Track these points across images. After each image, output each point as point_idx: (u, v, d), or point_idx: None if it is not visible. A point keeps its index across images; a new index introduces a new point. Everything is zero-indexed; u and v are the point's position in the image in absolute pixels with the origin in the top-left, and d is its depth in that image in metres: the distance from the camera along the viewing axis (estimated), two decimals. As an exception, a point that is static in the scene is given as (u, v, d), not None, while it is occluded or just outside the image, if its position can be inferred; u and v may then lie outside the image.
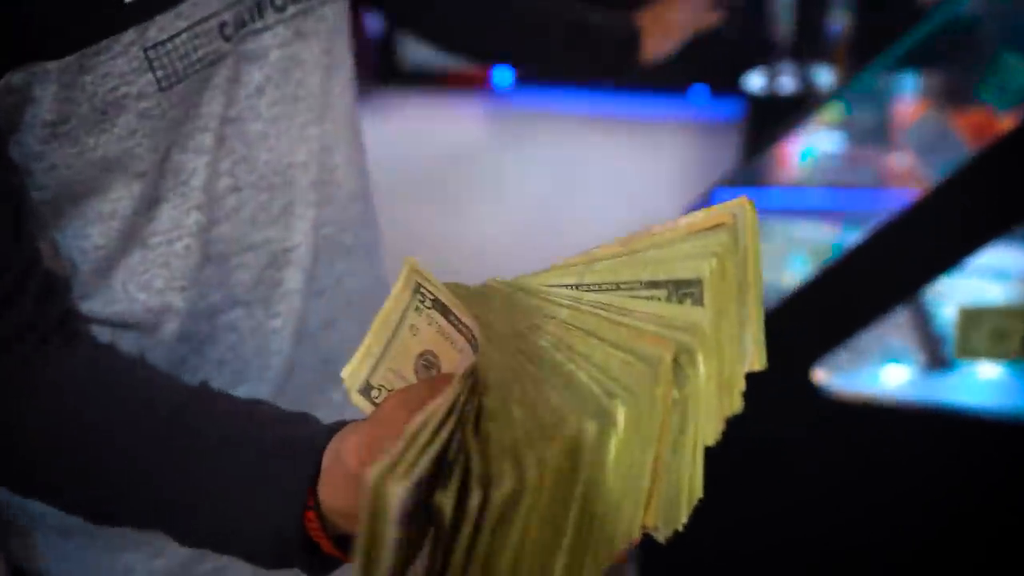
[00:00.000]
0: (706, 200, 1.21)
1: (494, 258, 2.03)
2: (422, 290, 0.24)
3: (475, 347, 0.20)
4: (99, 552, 0.38)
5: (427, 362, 0.25)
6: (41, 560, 0.39)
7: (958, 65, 1.14)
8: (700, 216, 0.21)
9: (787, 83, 2.09)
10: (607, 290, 0.22)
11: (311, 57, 0.38)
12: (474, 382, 0.18)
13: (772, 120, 1.73)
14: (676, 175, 2.54)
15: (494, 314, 0.23)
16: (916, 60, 1.15)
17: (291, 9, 0.36)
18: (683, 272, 0.20)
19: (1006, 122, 0.94)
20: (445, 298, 0.22)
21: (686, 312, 0.19)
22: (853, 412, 0.80)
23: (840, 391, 0.80)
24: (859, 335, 0.74)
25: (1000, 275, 0.94)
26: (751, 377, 0.22)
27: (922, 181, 1.01)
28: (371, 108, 2.98)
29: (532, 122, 3.11)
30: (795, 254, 1.02)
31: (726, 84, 2.63)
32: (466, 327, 0.22)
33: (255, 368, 0.39)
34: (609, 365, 0.18)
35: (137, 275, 0.34)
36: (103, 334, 0.34)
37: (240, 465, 0.26)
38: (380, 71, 3.32)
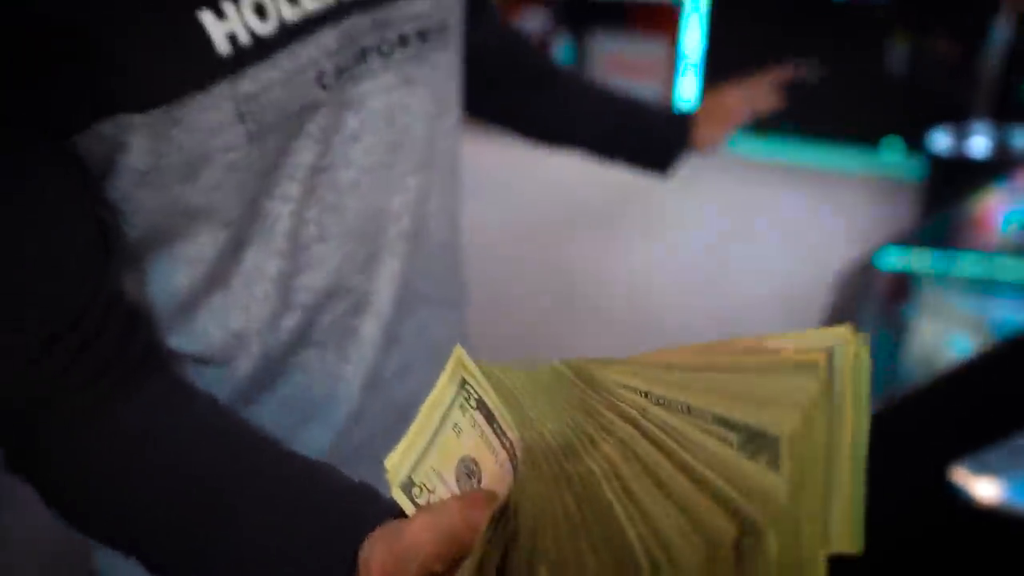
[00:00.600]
0: (875, 258, 1.15)
1: (650, 298, 2.09)
2: (467, 386, 0.22)
3: (515, 467, 0.20)
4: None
5: (468, 469, 0.23)
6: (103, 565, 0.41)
7: None
8: (791, 344, 0.17)
9: (979, 144, 1.97)
10: (676, 411, 0.19)
11: (418, 104, 0.37)
12: (506, 520, 0.17)
13: (958, 182, 1.67)
14: (851, 231, 2.41)
15: (549, 407, 0.21)
16: None
17: (398, 54, 0.35)
18: (759, 420, 0.15)
19: None
20: (491, 402, 0.21)
21: (760, 474, 0.15)
22: (996, 522, 0.68)
23: (984, 497, 0.68)
24: (1016, 435, 0.63)
25: None
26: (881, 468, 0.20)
27: None
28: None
29: (709, 161, 2.92)
30: (959, 331, 0.91)
31: (917, 140, 2.48)
32: (509, 442, 0.20)
33: (323, 410, 0.38)
34: (662, 526, 0.16)
35: (217, 315, 0.34)
36: (181, 367, 0.34)
37: (283, 543, 0.26)
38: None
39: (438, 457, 0.23)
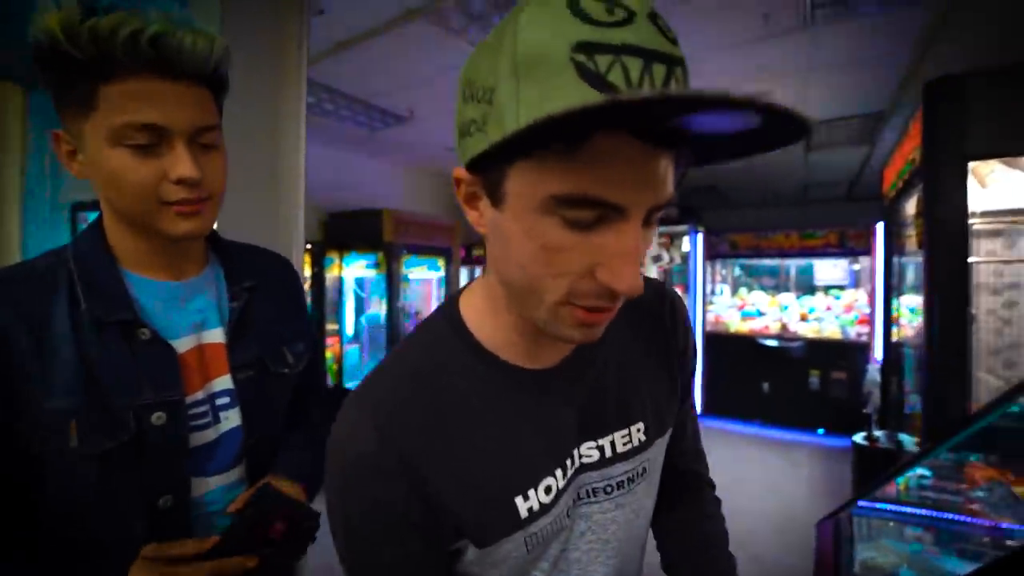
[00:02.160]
0: (836, 521, 1.58)
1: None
2: None
3: None
4: None
5: None
6: None
7: (1012, 446, 1.59)
8: None
9: (879, 440, 3.13)
10: None
11: (623, 516, 0.57)
12: None
13: (869, 465, 2.75)
14: (812, 484, 3.71)
15: None
16: (979, 442, 1.63)
17: (615, 494, 0.55)
18: None
19: None
20: None
21: None
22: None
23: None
24: None
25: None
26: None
27: (991, 519, 1.39)
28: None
29: (707, 435, 4.63)
30: (915, 544, 1.40)
31: (844, 428, 4.36)
32: None
33: None
34: None
35: None
36: None
37: None
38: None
39: None
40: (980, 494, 1.57)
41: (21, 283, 0.64)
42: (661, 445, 0.61)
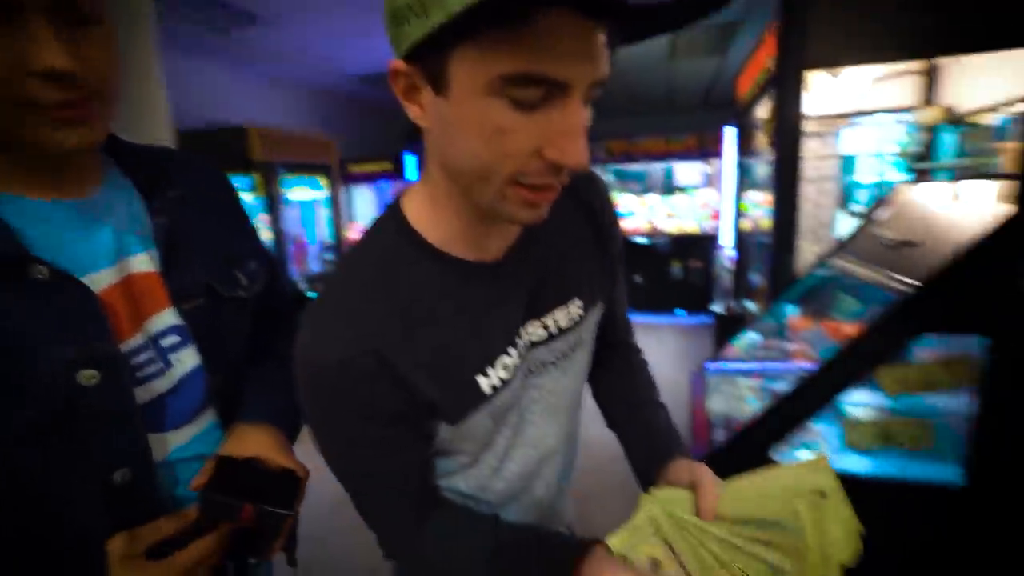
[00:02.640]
0: (700, 374, 2.06)
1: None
2: (658, 525, 0.48)
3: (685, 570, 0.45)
4: None
5: (654, 564, 0.47)
6: None
7: (821, 299, 2.08)
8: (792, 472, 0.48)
9: (734, 308, 3.85)
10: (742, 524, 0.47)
11: (567, 383, 0.65)
12: None
13: (727, 328, 3.39)
14: (676, 356, 4.30)
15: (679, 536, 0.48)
16: (798, 299, 2.14)
17: (561, 364, 0.63)
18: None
19: (849, 327, 1.63)
20: (674, 544, 0.46)
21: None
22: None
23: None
24: (791, 433, 1.20)
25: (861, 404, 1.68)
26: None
27: (809, 358, 1.83)
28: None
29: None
30: (750, 397, 1.77)
31: (700, 308, 5.02)
32: (682, 566, 0.45)
33: (514, 512, 0.66)
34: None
35: (468, 480, 0.62)
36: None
37: (533, 568, 0.52)
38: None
39: (639, 548, 0.48)
40: (802, 340, 2.05)
41: None
42: (595, 317, 0.68)
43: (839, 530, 0.43)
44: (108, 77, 0.53)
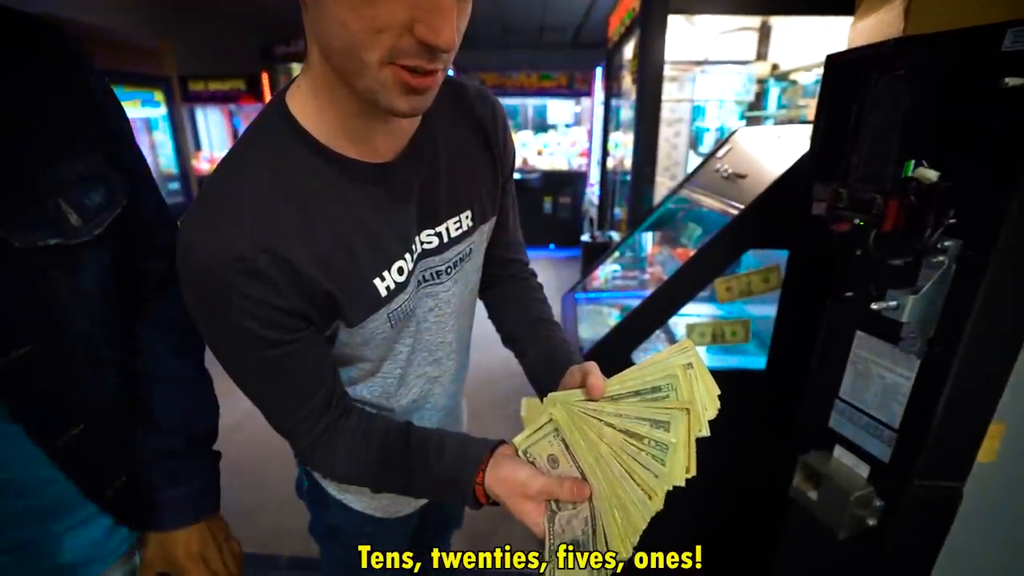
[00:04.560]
0: (569, 299, 2.29)
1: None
2: (556, 423, 0.53)
3: (581, 476, 0.51)
4: (351, 495, 0.76)
5: (552, 460, 0.53)
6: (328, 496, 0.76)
7: (672, 227, 2.32)
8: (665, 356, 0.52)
9: (599, 238, 4.19)
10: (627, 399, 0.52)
11: (459, 291, 0.69)
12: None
13: (594, 256, 3.72)
14: (549, 287, 4.53)
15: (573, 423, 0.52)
16: (653, 226, 2.35)
17: (453, 273, 0.66)
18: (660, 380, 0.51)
19: (693, 252, 1.88)
20: (569, 440, 0.52)
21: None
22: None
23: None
24: (640, 344, 1.39)
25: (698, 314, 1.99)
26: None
27: (663, 279, 2.07)
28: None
29: None
30: (610, 318, 2.00)
31: (570, 241, 5.27)
32: (575, 460, 0.51)
33: (420, 418, 0.74)
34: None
35: (373, 389, 0.67)
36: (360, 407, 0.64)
37: (444, 466, 0.58)
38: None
39: (540, 448, 0.54)
40: (657, 265, 2.35)
41: None
42: (484, 230, 0.70)
43: (705, 393, 0.51)
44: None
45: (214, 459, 0.73)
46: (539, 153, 6.06)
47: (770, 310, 1.56)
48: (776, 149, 1.65)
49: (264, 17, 5.71)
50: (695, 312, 1.91)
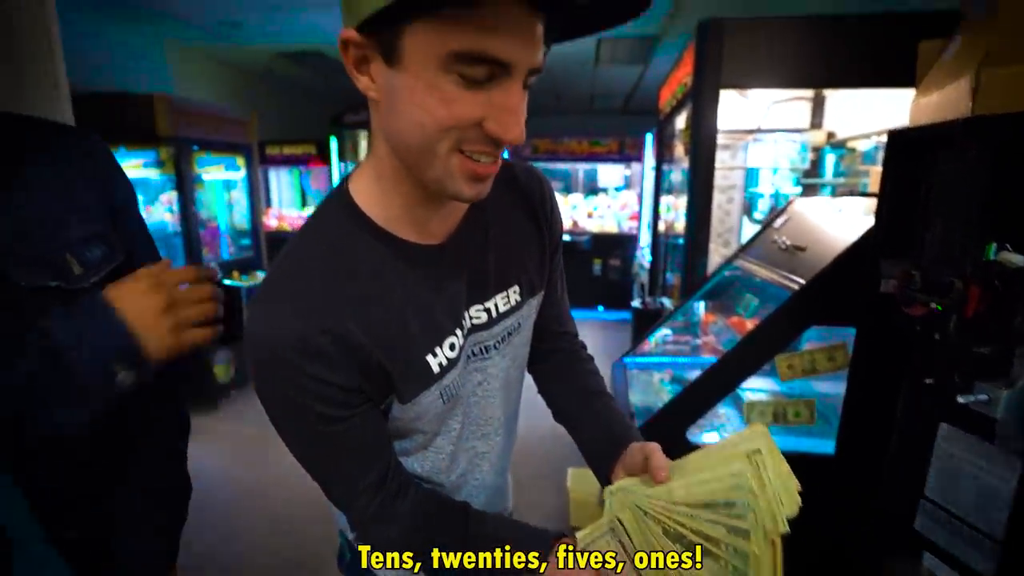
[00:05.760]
0: (619, 366, 2.24)
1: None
2: (620, 525, 0.51)
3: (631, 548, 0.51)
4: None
5: (616, 560, 0.52)
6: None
7: (726, 296, 2.29)
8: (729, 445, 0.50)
9: (650, 304, 4.12)
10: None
11: (507, 366, 0.69)
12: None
13: (645, 322, 3.65)
14: (598, 350, 4.43)
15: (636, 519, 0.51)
16: (708, 295, 2.33)
17: (501, 348, 0.67)
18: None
19: (749, 323, 1.89)
20: (634, 539, 0.50)
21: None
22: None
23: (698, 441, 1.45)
24: (702, 416, 1.39)
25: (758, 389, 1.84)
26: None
27: (717, 351, 2.08)
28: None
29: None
30: (666, 386, 1.97)
31: (619, 304, 5.29)
32: (634, 564, 0.50)
33: (468, 495, 0.71)
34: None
35: (425, 463, 0.66)
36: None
37: (502, 558, 0.56)
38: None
39: (601, 544, 0.54)
40: (710, 334, 2.28)
41: None
42: (532, 304, 0.71)
43: (782, 488, 0.46)
44: None
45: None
46: (589, 215, 6.14)
47: (836, 387, 1.46)
48: (837, 222, 1.61)
49: (335, 90, 6.25)
50: (755, 387, 1.81)
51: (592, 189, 6.76)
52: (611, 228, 6.00)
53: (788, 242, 1.72)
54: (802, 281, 1.39)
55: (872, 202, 1.47)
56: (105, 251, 0.67)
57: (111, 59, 3.88)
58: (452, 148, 0.47)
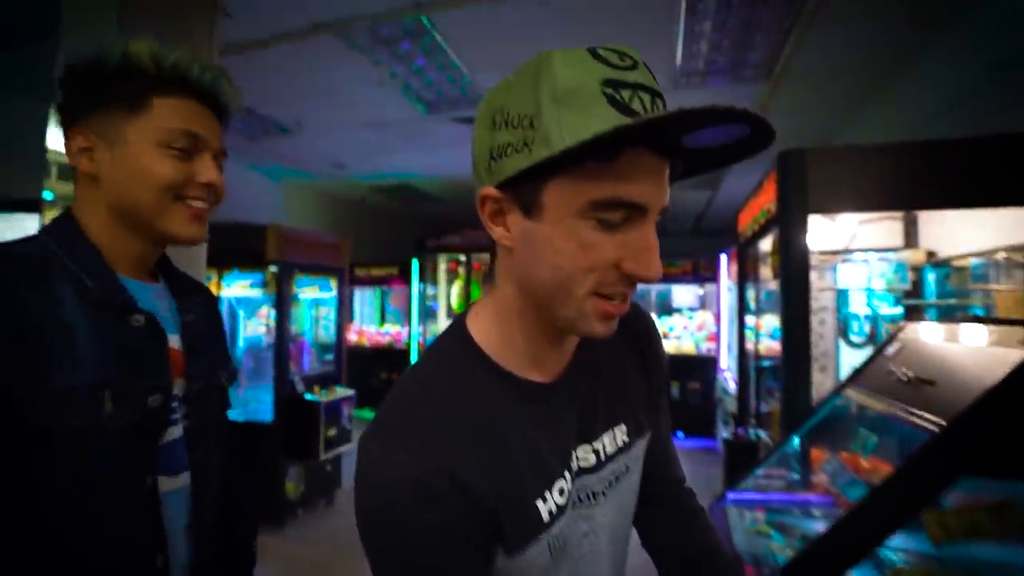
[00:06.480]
0: (717, 507, 1.91)
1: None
2: None
3: None
4: None
5: None
6: None
7: (835, 430, 2.03)
8: None
9: (742, 435, 3.74)
10: None
11: (615, 515, 0.62)
12: None
13: (738, 455, 3.29)
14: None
15: None
16: (813, 428, 2.08)
17: (609, 494, 0.61)
18: None
19: (867, 462, 1.61)
20: None
21: None
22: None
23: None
24: None
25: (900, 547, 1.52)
26: None
27: (831, 491, 1.77)
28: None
29: None
30: (775, 533, 1.74)
31: (701, 431, 4.87)
32: None
33: None
34: None
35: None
36: None
37: None
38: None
39: None
40: (821, 473, 2.00)
41: (19, 262, 0.64)
42: (640, 446, 0.68)
43: None
44: (220, 199, 0.80)
45: None
46: (665, 336, 5.97)
47: (1008, 553, 1.19)
48: (967, 352, 1.43)
49: (420, 217, 6.83)
50: (892, 545, 1.52)
51: (667, 309, 6.65)
52: (689, 349, 5.75)
53: (910, 373, 1.54)
54: (937, 419, 1.21)
55: (1005, 330, 1.30)
56: (231, 369, 0.93)
57: (241, 197, 4.50)
58: (590, 291, 0.49)
